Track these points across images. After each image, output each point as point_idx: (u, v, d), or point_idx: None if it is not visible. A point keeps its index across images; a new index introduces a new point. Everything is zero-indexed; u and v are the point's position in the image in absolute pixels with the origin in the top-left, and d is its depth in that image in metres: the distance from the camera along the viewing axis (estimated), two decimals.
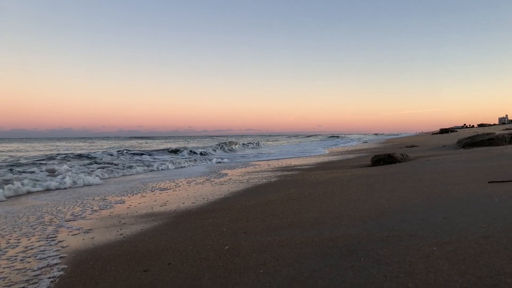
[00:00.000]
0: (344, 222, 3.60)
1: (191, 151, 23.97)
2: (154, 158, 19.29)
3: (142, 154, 21.86)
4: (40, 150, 30.37)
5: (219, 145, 29.55)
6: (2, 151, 29.15)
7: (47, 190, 8.46)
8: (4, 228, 4.63)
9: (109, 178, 11.13)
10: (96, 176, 10.58)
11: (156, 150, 25.07)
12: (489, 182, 4.83)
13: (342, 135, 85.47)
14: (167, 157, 20.49)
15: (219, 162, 17.23)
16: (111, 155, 20.73)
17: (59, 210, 5.83)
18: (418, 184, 5.58)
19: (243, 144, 34.19)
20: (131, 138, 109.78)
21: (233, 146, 30.46)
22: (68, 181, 9.16)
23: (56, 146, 42.54)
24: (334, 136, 74.73)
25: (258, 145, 35.54)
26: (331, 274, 2.26)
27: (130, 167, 13.41)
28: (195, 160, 17.40)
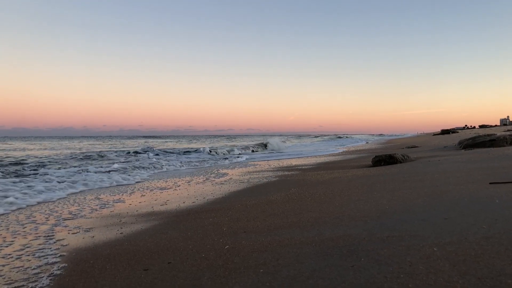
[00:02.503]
0: (344, 222, 3.60)
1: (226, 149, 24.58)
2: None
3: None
4: (62, 149, 30.44)
5: (259, 144, 30.63)
6: (4, 149, 29.26)
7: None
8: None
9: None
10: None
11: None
12: (490, 183, 4.82)
13: (347, 135, 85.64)
14: (208, 156, 20.82)
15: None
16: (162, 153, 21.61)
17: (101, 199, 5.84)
18: (419, 184, 5.57)
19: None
20: (136, 137, 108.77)
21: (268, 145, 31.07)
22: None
23: (80, 145, 42.01)
24: (340, 137, 75.00)
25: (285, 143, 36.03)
26: (331, 274, 2.25)
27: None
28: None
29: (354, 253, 2.59)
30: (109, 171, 11.48)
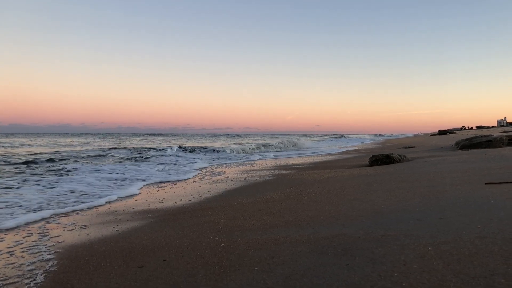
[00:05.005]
0: (340, 221, 3.61)
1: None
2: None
3: None
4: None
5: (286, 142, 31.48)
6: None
7: None
8: None
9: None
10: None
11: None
12: (485, 184, 4.84)
13: (345, 135, 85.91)
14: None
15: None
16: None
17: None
18: (415, 184, 5.58)
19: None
20: (138, 135, 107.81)
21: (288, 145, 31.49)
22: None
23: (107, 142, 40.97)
24: (339, 136, 75.50)
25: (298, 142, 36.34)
26: (326, 273, 2.26)
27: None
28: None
29: (349, 252, 2.60)
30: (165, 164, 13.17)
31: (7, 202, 5.85)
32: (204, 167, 12.90)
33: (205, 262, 2.71)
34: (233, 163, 14.95)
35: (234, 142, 39.73)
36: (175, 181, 9.06)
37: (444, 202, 3.97)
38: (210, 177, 9.52)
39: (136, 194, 6.93)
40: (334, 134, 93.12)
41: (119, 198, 6.48)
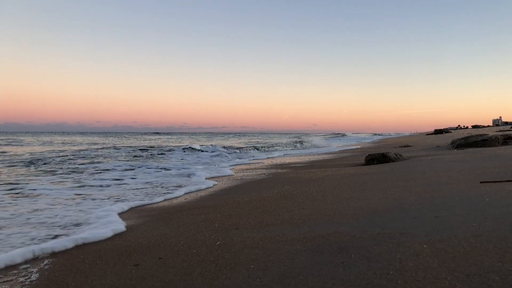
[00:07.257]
0: (336, 219, 3.62)
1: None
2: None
3: None
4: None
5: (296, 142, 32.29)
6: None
7: None
8: None
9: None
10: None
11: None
12: (481, 182, 4.86)
13: (342, 134, 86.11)
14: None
15: None
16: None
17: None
18: (411, 183, 5.60)
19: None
20: (136, 134, 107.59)
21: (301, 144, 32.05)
22: None
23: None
24: (343, 135, 75.92)
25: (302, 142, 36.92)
26: (322, 271, 2.26)
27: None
28: None
29: (345, 250, 2.60)
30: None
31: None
32: (239, 164, 13.38)
33: (201, 260, 2.71)
34: (260, 160, 15.42)
35: (239, 141, 39.82)
36: (223, 176, 9.43)
37: (440, 201, 3.99)
38: (252, 172, 9.52)
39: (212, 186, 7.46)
40: (332, 133, 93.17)
41: (198, 190, 6.93)
